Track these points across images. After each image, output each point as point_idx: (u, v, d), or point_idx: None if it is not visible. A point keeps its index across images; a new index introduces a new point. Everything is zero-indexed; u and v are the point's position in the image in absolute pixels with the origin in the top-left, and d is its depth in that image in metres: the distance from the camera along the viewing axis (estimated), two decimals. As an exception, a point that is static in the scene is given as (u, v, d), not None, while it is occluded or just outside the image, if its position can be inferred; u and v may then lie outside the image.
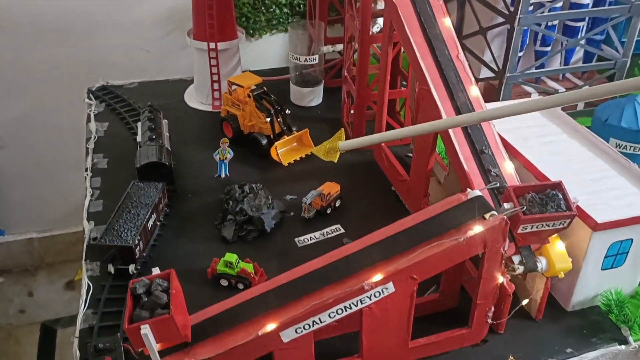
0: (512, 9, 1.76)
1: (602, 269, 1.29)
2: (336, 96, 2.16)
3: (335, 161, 1.32)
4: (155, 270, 1.06)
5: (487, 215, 1.11)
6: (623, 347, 1.26)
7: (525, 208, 1.12)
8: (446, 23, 1.48)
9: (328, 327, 1.27)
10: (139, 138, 1.76)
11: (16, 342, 2.89)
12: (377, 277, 1.07)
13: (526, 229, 1.14)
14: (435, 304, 1.33)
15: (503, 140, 1.44)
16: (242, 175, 1.78)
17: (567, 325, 1.31)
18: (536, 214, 1.12)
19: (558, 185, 1.16)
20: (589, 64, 2.02)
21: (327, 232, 1.58)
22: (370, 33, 1.75)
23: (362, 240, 1.15)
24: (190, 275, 1.42)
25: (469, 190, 1.17)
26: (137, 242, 1.39)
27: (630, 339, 1.26)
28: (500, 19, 1.84)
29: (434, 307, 1.34)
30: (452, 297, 1.34)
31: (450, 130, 1.34)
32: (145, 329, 0.96)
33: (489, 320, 1.25)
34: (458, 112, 1.37)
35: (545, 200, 1.14)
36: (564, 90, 1.99)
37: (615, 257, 1.28)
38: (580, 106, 2.06)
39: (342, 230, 1.58)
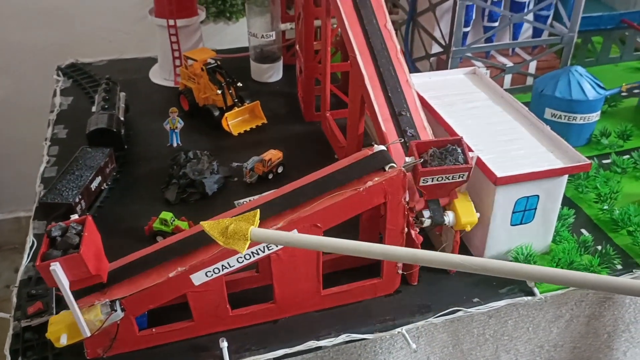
0: (454, -16, 1.81)
1: (511, 225, 1.35)
2: (295, 72, 2.23)
3: (243, 252, 0.89)
4: (74, 217, 1.14)
5: (387, 167, 1.17)
6: (529, 298, 1.32)
7: (423, 161, 1.19)
8: (375, -7, 1.54)
9: (250, 278, 1.36)
10: (94, 108, 1.84)
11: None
12: (281, 224, 1.15)
13: (427, 181, 1.21)
14: (355, 258, 1.40)
15: (427, 105, 1.51)
16: (194, 145, 1.86)
17: (479, 278, 1.36)
18: (434, 167, 1.19)
19: (458, 141, 1.22)
20: (537, 38, 2.07)
21: (266, 195, 1.65)
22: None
23: (272, 192, 1.22)
24: (130, 233, 1.51)
25: (374, 145, 1.23)
26: (77, 200, 1.47)
27: (536, 290, 1.32)
28: (447, -5, 1.90)
29: (355, 261, 1.41)
30: (371, 252, 1.40)
31: (371, 94, 1.41)
32: (55, 266, 1.03)
33: (399, 271, 1.31)
34: (380, 75, 1.44)
35: (445, 154, 1.21)
36: (512, 65, 2.04)
37: (524, 213, 1.34)
38: (529, 81, 2.11)
39: (281, 194, 1.65)
